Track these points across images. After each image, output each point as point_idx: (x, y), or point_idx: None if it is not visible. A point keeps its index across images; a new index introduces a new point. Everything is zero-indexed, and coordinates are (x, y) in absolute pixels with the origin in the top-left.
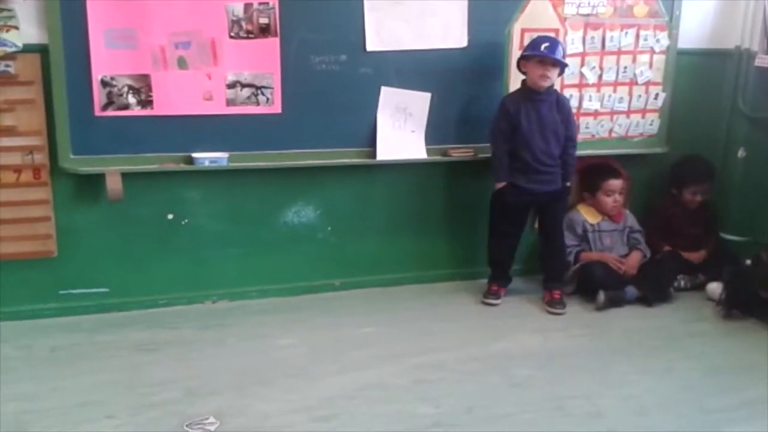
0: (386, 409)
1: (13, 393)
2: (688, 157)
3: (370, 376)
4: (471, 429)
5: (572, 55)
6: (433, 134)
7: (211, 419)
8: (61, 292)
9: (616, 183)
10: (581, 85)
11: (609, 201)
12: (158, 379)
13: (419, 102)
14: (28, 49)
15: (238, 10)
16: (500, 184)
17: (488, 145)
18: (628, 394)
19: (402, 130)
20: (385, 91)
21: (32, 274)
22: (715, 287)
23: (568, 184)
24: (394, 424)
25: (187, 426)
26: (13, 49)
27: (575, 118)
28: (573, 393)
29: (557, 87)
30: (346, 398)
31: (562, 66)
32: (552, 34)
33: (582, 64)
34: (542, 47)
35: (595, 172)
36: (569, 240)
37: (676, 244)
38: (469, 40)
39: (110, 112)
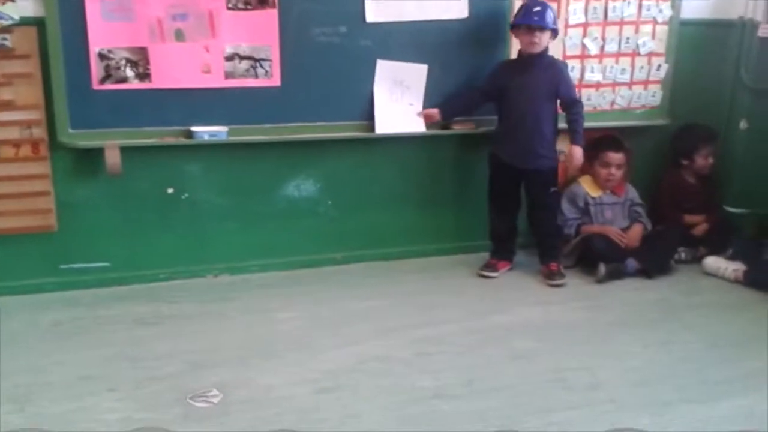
0: (387, 381)
1: (17, 367)
2: (687, 126)
3: (371, 349)
4: (471, 401)
5: (574, 26)
6: (435, 106)
7: (214, 392)
8: (62, 266)
9: (614, 156)
10: (583, 56)
11: (604, 173)
12: (160, 353)
13: (416, 74)
14: (24, 22)
15: None
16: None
17: (490, 117)
18: (628, 365)
19: (400, 102)
20: (381, 64)
21: (33, 249)
22: (712, 261)
23: (556, 159)
24: (396, 396)
25: (190, 399)
26: (10, 22)
27: (578, 90)
28: (573, 365)
29: (560, 57)
30: (348, 371)
31: (554, 31)
32: (554, 5)
33: (584, 35)
34: (533, 11)
35: (596, 143)
36: (570, 213)
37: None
38: (470, 11)
39: (108, 86)
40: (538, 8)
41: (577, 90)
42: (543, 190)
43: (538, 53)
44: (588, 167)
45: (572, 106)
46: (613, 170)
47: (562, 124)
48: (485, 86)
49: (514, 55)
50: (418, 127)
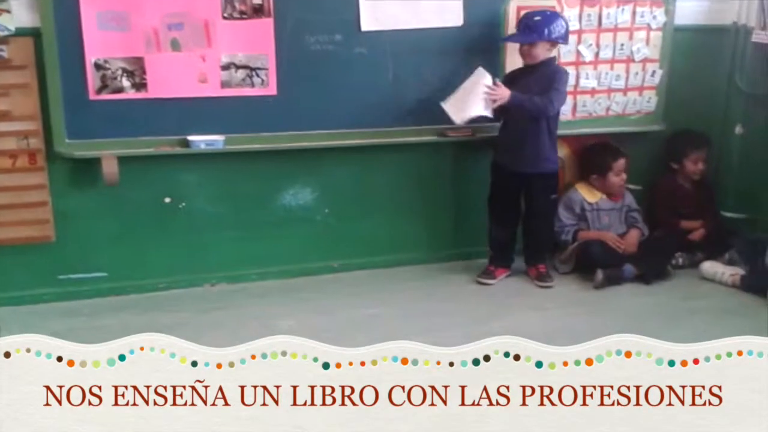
0: None
1: None
2: (679, 131)
3: None
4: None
5: (568, 33)
6: (430, 115)
7: None
8: (60, 276)
9: (623, 162)
10: (578, 63)
11: (618, 180)
12: None
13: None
14: (20, 32)
15: None
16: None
17: (485, 124)
18: None
19: (472, 92)
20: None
21: (30, 260)
22: (709, 266)
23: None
24: None
25: None
26: (6, 33)
27: (573, 96)
28: None
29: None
30: None
31: (553, 40)
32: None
33: (579, 42)
34: (522, 24)
35: (602, 153)
36: (567, 219)
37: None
38: (465, 19)
39: (105, 96)
40: (537, 17)
41: (572, 97)
42: (544, 195)
43: (538, 62)
44: (597, 178)
45: (545, 96)
46: (624, 176)
47: (562, 130)
48: None
49: (508, 63)
50: (484, 110)
